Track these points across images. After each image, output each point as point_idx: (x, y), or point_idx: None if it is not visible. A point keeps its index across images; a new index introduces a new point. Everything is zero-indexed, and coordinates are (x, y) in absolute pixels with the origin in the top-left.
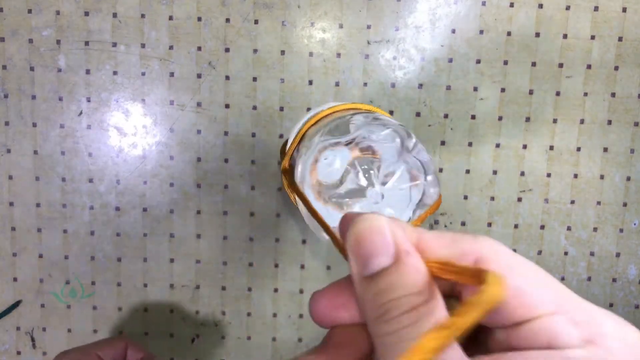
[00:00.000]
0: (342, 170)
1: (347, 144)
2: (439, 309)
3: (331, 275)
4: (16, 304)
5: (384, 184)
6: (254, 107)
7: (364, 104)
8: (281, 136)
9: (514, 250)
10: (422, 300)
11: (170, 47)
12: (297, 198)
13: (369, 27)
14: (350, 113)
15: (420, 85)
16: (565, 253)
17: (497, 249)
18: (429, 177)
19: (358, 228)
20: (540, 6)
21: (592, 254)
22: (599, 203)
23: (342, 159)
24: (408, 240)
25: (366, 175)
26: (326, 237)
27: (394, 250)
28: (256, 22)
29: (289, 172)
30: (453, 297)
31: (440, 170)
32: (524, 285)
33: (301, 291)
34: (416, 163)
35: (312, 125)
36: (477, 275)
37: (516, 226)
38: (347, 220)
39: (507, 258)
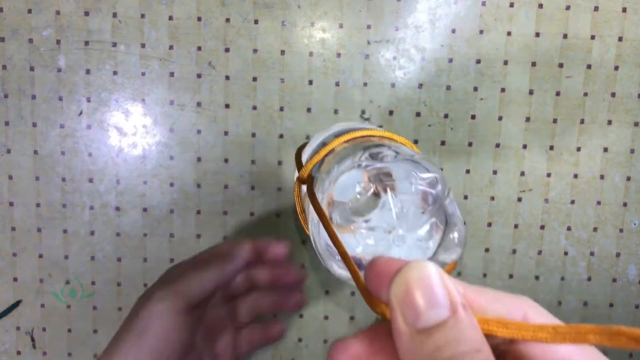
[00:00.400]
0: (375, 200)
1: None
2: None
3: (331, 276)
4: (16, 304)
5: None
6: (254, 107)
7: (395, 134)
8: (281, 136)
9: (514, 251)
10: (482, 358)
11: (170, 47)
12: (309, 215)
13: (369, 27)
14: (390, 144)
15: (420, 85)
16: (565, 253)
17: (540, 310)
18: (455, 235)
19: (408, 276)
20: (540, 6)
21: (592, 254)
22: (599, 203)
23: (380, 191)
24: (459, 292)
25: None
26: (336, 267)
27: (450, 303)
28: (256, 22)
29: (310, 182)
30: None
31: (440, 170)
32: (570, 355)
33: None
34: (442, 215)
35: (344, 142)
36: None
37: (516, 226)
38: (382, 266)
39: (550, 320)
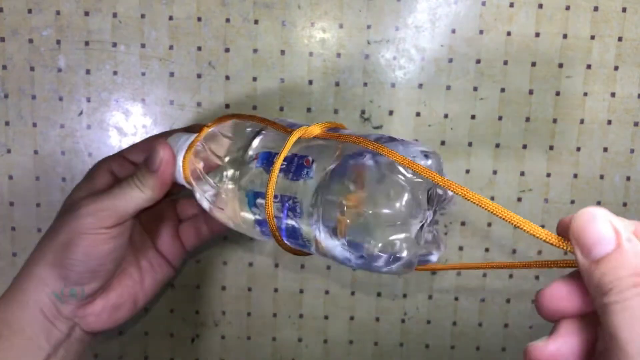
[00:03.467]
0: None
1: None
2: None
3: (331, 275)
4: None
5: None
6: (254, 107)
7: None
8: None
9: (514, 251)
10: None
11: (170, 47)
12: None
13: (369, 27)
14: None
15: (420, 85)
16: (566, 253)
17: None
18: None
19: (581, 220)
20: (540, 6)
21: None
22: (598, 203)
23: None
24: (627, 229)
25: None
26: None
27: (615, 237)
28: (256, 22)
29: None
30: None
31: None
32: None
33: (301, 291)
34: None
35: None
36: None
37: (516, 227)
38: (565, 219)
39: None
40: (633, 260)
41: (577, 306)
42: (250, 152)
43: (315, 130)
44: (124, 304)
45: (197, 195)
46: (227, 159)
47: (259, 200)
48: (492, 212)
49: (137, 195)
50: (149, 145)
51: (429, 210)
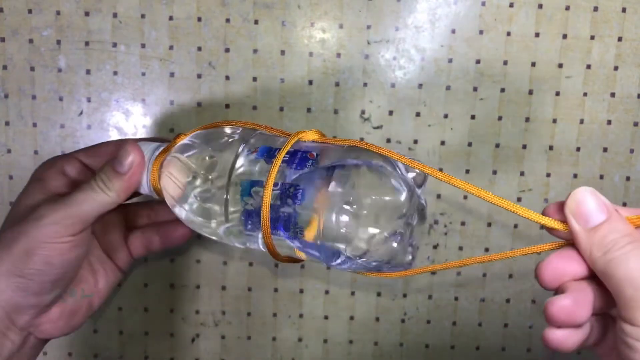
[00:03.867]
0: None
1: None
2: None
3: (331, 275)
4: None
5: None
6: (254, 107)
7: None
8: None
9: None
10: (632, 238)
11: (171, 47)
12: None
13: (369, 27)
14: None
15: (420, 85)
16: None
17: None
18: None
19: (577, 197)
20: (540, 6)
21: None
22: None
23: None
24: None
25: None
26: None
27: (606, 209)
28: (256, 22)
29: None
30: None
31: (440, 170)
32: None
33: (301, 291)
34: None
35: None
36: None
37: (516, 226)
38: (554, 204)
39: None
40: (622, 225)
41: (573, 271)
42: (245, 148)
43: (313, 134)
44: (80, 308)
45: (170, 202)
46: (208, 159)
47: (256, 189)
48: (490, 202)
49: (102, 199)
50: (107, 149)
51: (411, 219)
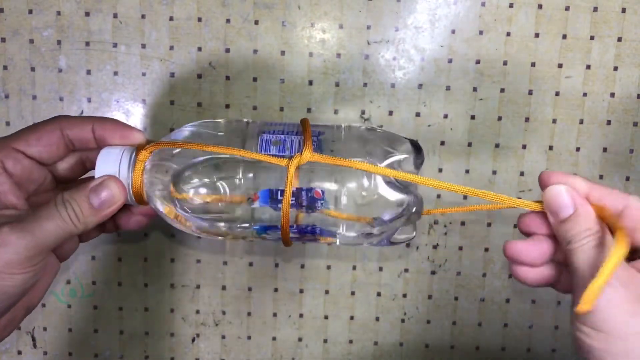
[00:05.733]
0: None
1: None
2: (606, 235)
3: (331, 275)
4: None
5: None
6: (254, 107)
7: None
8: None
9: None
10: (594, 231)
11: (171, 48)
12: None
13: (368, 27)
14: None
15: (420, 86)
16: None
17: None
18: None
19: (549, 194)
20: (540, 6)
21: None
22: None
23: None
24: (581, 196)
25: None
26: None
27: (573, 205)
28: (256, 22)
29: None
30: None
31: (440, 170)
32: None
33: (301, 291)
34: None
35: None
36: (612, 224)
37: (515, 226)
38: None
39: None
40: (584, 220)
41: (543, 228)
42: (245, 191)
43: (307, 156)
44: (17, 316)
45: (162, 210)
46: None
47: (271, 231)
48: (468, 194)
49: (70, 230)
50: (51, 136)
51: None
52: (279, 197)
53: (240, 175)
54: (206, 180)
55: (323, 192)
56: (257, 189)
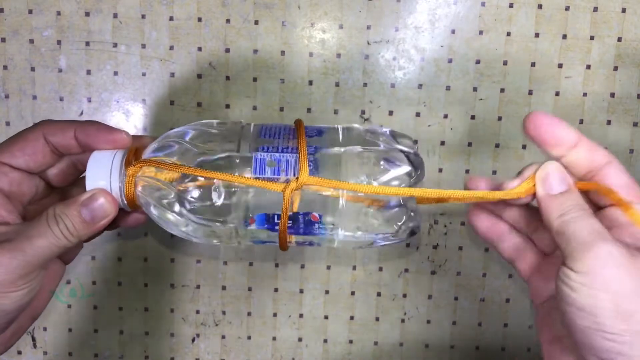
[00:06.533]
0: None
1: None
2: (590, 211)
3: (331, 275)
4: None
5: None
6: (254, 107)
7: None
8: None
9: None
10: (583, 207)
11: (171, 48)
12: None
13: (368, 27)
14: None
15: (420, 86)
16: None
17: (618, 169)
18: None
19: (547, 169)
20: (540, 6)
21: None
22: None
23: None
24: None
25: None
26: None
27: (567, 183)
28: (256, 22)
29: None
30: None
31: (440, 170)
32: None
33: (301, 291)
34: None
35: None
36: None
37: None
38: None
39: (619, 176)
40: (576, 197)
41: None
42: (242, 212)
43: (303, 180)
44: (23, 325)
45: (154, 212)
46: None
47: (268, 244)
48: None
49: (63, 245)
50: (34, 145)
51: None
52: (276, 221)
53: (236, 199)
54: (203, 196)
55: (320, 216)
56: (254, 211)
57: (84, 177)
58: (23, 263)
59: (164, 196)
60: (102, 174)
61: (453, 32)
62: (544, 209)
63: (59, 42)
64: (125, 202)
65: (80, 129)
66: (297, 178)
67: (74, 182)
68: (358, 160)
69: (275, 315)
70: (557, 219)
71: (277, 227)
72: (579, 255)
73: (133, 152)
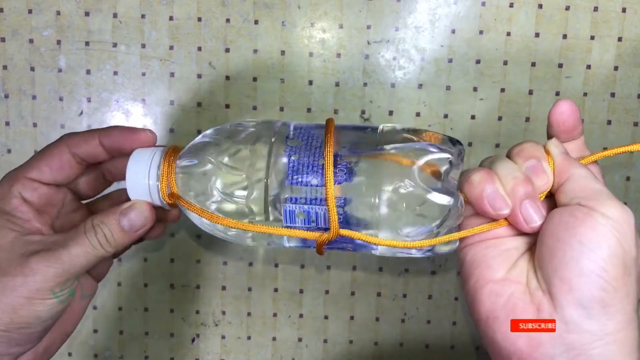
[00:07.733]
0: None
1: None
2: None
3: (331, 275)
4: None
5: None
6: (254, 107)
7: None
8: None
9: None
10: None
11: (171, 47)
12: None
13: (369, 27)
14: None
15: (420, 86)
16: None
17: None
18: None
19: (553, 141)
20: (540, 6)
21: None
22: None
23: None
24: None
25: None
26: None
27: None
28: (256, 22)
29: None
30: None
31: None
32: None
33: (301, 291)
34: None
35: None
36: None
37: None
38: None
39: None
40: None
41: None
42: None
43: (333, 233)
44: (55, 342)
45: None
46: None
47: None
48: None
49: (101, 255)
50: (58, 159)
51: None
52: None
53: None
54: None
55: (354, 249)
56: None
57: (111, 191)
58: (60, 271)
59: (207, 198)
60: (143, 169)
61: (453, 32)
62: (554, 158)
63: (58, 42)
64: (165, 201)
65: (104, 135)
66: (329, 232)
67: (100, 191)
68: (401, 155)
69: (275, 315)
70: (568, 170)
71: (314, 247)
72: (611, 203)
73: (169, 155)
